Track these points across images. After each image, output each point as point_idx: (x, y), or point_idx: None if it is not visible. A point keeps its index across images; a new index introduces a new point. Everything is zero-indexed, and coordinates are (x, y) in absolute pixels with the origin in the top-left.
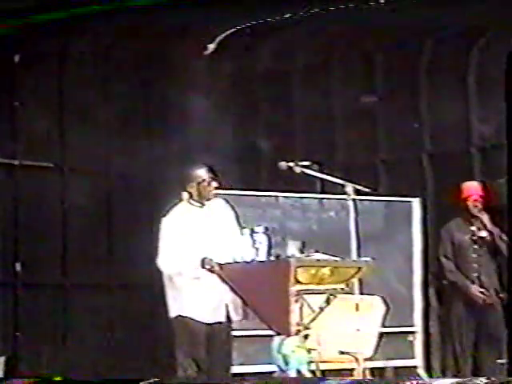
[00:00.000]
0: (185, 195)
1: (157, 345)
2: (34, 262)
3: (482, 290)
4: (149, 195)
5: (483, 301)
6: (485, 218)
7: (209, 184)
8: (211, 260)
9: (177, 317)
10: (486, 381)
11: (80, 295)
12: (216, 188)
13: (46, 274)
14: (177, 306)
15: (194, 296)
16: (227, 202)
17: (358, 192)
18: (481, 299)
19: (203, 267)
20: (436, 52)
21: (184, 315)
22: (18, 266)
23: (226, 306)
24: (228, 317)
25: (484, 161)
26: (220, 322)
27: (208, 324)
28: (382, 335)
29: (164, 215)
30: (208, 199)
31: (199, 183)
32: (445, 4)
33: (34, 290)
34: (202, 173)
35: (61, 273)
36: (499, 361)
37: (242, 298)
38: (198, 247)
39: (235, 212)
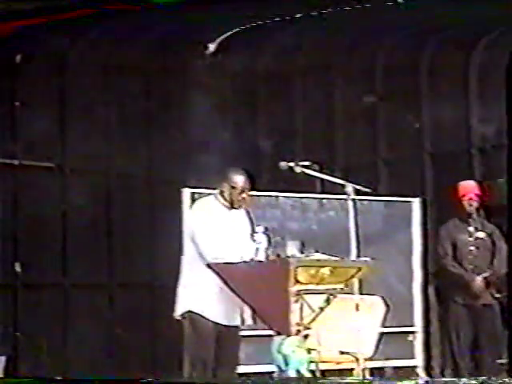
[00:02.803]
0: (216, 191)
1: (157, 345)
2: (34, 263)
3: (483, 285)
4: (149, 193)
5: (482, 298)
6: (481, 217)
7: (241, 193)
8: None
9: (186, 312)
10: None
11: (80, 295)
12: (245, 199)
13: (46, 274)
14: (188, 301)
15: (210, 294)
16: (248, 213)
17: (357, 192)
18: (481, 294)
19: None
20: (437, 52)
21: (194, 311)
22: (17, 267)
23: (241, 310)
24: (243, 321)
25: (484, 161)
26: (233, 326)
27: (219, 324)
28: (382, 335)
29: (195, 200)
30: (235, 207)
31: (233, 187)
32: (446, 3)
33: (34, 291)
34: (238, 179)
35: (61, 273)
36: (499, 361)
37: (241, 297)
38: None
39: (252, 223)
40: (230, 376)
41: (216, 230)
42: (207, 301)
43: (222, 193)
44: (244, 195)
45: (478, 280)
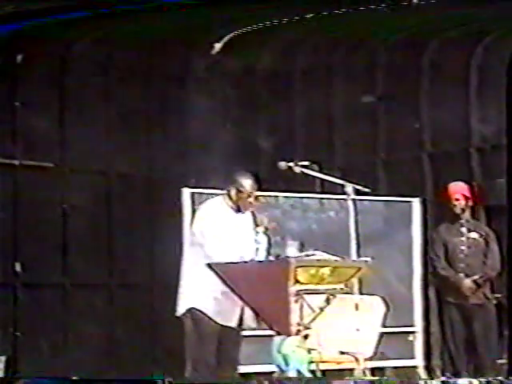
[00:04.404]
0: (223, 193)
1: (157, 345)
2: (34, 262)
3: (473, 286)
4: (148, 193)
5: (473, 298)
6: (469, 218)
7: (248, 196)
8: None
9: (189, 310)
10: None
11: (80, 295)
12: (252, 202)
13: (46, 274)
14: (191, 299)
15: (212, 291)
16: (254, 215)
17: (357, 192)
18: (472, 295)
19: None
20: (437, 52)
21: (197, 308)
22: (17, 266)
23: (242, 310)
24: (240, 322)
25: (483, 161)
26: (231, 327)
27: (220, 324)
28: (382, 335)
29: (201, 202)
30: (242, 210)
31: (239, 191)
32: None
33: (34, 290)
34: (245, 183)
35: (61, 273)
36: (499, 361)
37: (242, 298)
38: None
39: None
40: (231, 376)
41: (222, 231)
42: (209, 300)
43: (229, 195)
44: (251, 199)
45: (467, 282)
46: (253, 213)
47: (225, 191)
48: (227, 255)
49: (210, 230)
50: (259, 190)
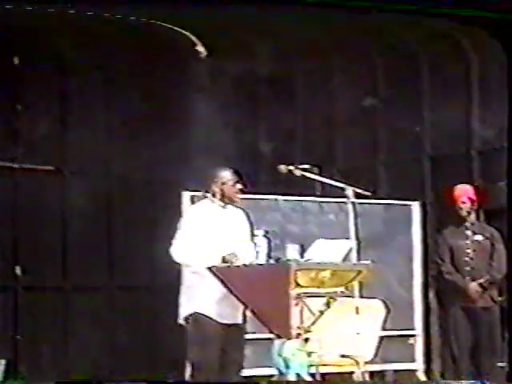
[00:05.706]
0: (208, 194)
1: (157, 346)
2: (34, 265)
3: (480, 289)
4: (149, 196)
5: (480, 301)
6: (480, 220)
7: (233, 185)
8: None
9: (191, 314)
10: None
11: (80, 297)
12: (240, 190)
13: (47, 277)
14: (193, 303)
15: (213, 293)
16: (246, 212)
17: (357, 195)
18: (479, 298)
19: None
20: (437, 54)
21: (200, 312)
22: (18, 270)
23: (244, 313)
24: (245, 319)
25: (484, 164)
26: (236, 325)
27: (223, 324)
28: (382, 338)
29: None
30: (231, 202)
31: (223, 183)
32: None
33: (34, 293)
34: (226, 174)
35: (61, 275)
36: (499, 364)
37: (242, 301)
38: (213, 245)
39: (250, 223)
40: (235, 378)
41: (212, 231)
42: (211, 303)
43: (214, 194)
44: (238, 186)
45: (474, 285)
46: (244, 210)
47: (210, 192)
48: (216, 254)
49: (197, 231)
50: (241, 180)
